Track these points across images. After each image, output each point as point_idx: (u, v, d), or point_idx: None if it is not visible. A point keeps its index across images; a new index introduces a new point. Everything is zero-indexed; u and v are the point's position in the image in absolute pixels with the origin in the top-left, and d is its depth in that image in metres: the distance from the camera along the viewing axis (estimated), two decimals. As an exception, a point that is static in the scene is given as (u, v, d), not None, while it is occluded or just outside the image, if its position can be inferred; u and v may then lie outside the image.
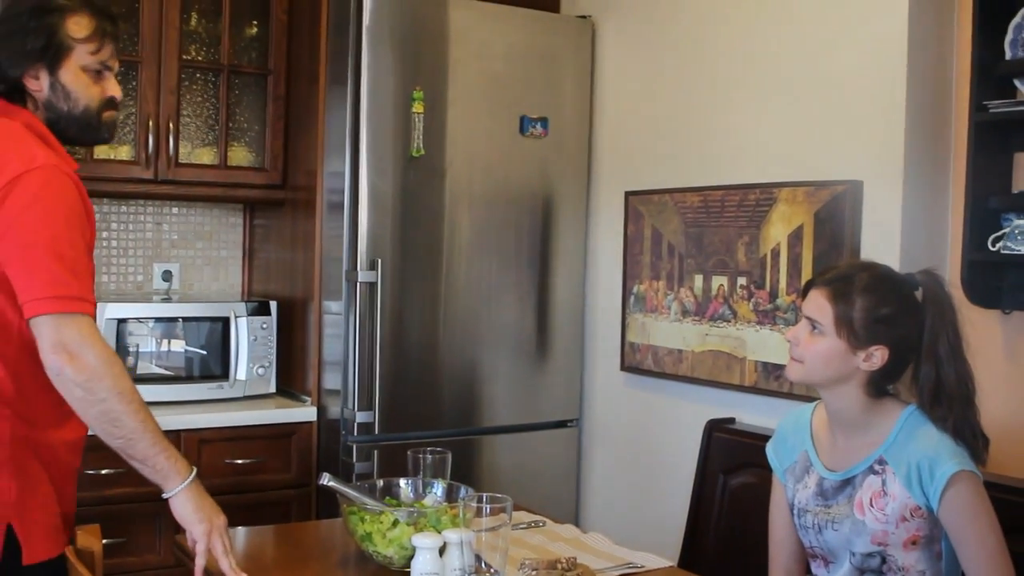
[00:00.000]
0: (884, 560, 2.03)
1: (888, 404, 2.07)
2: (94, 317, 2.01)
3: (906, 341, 2.03)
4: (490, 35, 3.56)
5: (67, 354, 1.95)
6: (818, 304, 2.05)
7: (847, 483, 2.08)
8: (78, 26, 2.11)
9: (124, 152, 3.49)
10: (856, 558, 2.06)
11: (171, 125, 3.45)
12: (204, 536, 2.01)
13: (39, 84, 2.11)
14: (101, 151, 3.46)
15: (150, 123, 3.42)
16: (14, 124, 2.10)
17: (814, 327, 2.05)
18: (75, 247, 2.00)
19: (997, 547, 1.95)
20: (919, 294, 2.07)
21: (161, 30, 3.44)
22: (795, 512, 2.18)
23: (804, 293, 2.11)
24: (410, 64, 3.40)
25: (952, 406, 2.01)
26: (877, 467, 2.04)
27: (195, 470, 2.05)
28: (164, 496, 2.03)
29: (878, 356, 2.01)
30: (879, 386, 2.06)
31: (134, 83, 3.50)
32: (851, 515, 2.05)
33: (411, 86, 3.38)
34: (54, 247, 1.97)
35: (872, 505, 2.03)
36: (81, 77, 2.13)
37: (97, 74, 2.15)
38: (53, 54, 2.10)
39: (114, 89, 2.18)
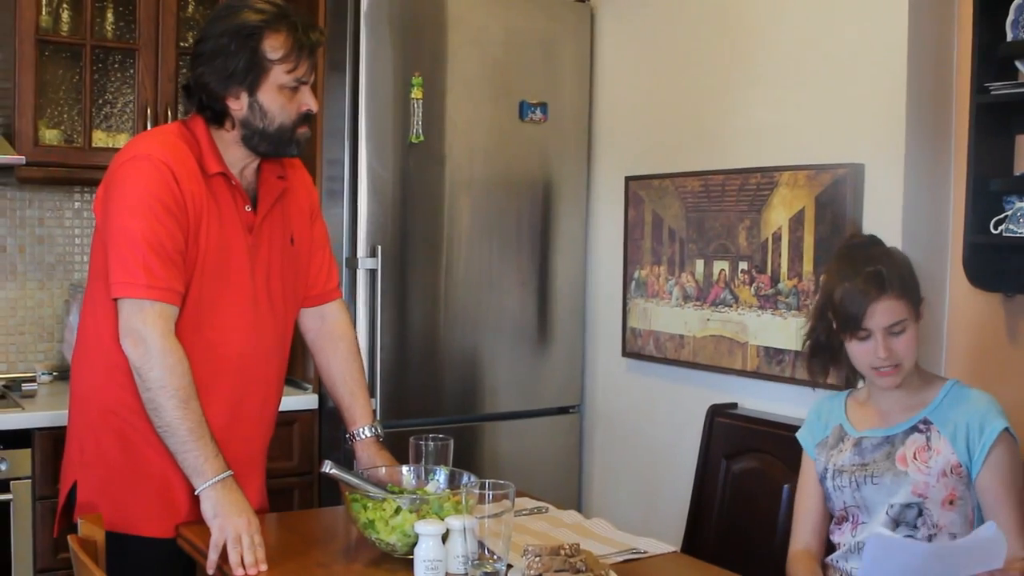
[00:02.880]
0: (920, 513, 2.09)
1: (927, 375, 2.21)
2: (174, 303, 2.14)
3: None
4: (489, 20, 3.54)
5: (131, 338, 2.11)
6: (891, 309, 2.08)
7: (887, 440, 2.16)
8: (274, 46, 2.17)
9: (122, 140, 3.47)
10: (894, 509, 2.12)
11: (169, 112, 3.43)
12: (217, 534, 2.06)
13: (239, 104, 2.21)
14: (100, 138, 3.45)
15: (148, 110, 3.40)
16: (169, 124, 2.30)
17: (893, 332, 2.10)
18: (152, 236, 2.11)
19: None
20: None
21: (159, 17, 3.42)
22: (829, 476, 2.23)
23: (860, 319, 2.09)
24: (409, 50, 3.38)
25: None
26: (922, 426, 2.13)
27: (226, 474, 2.11)
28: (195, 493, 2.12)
29: (924, 307, 2.16)
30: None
31: (132, 70, 3.49)
32: (892, 468, 2.13)
33: (410, 72, 3.37)
34: (130, 235, 2.11)
35: (916, 458, 2.11)
36: (278, 96, 2.21)
37: (293, 90, 2.22)
38: (253, 76, 2.17)
39: (309, 102, 2.25)
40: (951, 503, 2.08)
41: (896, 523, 2.10)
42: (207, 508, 2.09)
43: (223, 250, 2.24)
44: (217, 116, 2.24)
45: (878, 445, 2.16)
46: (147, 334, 2.10)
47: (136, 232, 2.11)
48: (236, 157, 2.28)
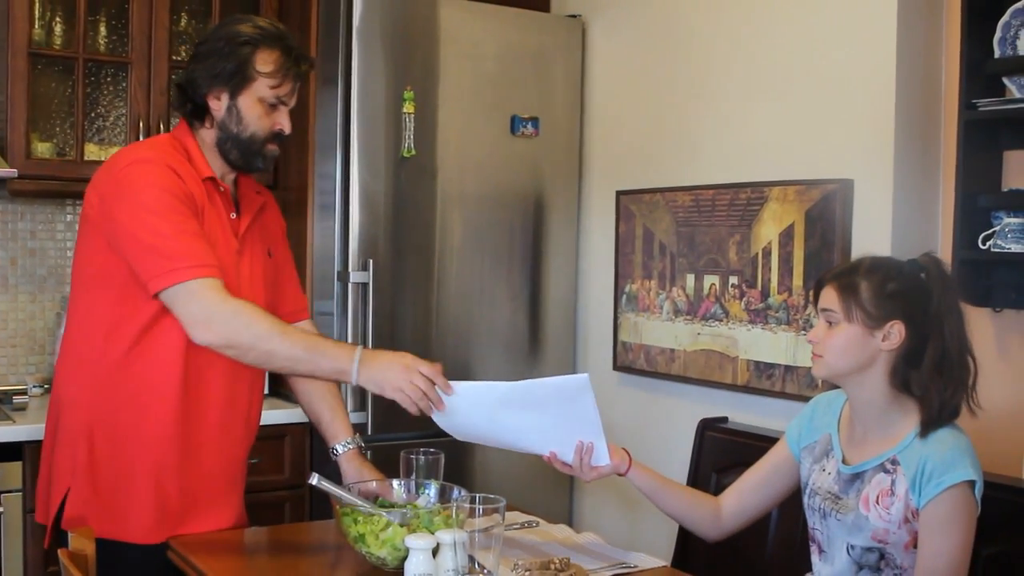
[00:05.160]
0: (883, 556, 2.04)
1: (909, 405, 2.07)
2: (213, 275, 2.14)
3: (920, 314, 2.03)
4: (480, 35, 3.56)
5: (198, 325, 2.13)
6: (828, 296, 2.08)
7: (857, 477, 2.09)
8: (265, 61, 2.28)
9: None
10: (855, 551, 2.06)
11: (161, 126, 3.44)
12: (397, 396, 2.13)
13: (219, 104, 2.29)
14: (92, 151, 3.46)
15: (140, 124, 3.41)
16: (161, 135, 2.37)
17: (830, 321, 2.07)
18: (178, 225, 2.15)
19: (948, 569, 1.95)
20: (924, 276, 2.08)
21: (151, 31, 3.43)
22: (807, 492, 2.20)
23: (816, 294, 2.13)
24: (400, 64, 3.40)
25: (948, 385, 2.02)
26: (889, 466, 2.04)
27: (357, 351, 2.15)
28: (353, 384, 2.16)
29: (896, 332, 2.03)
30: (903, 377, 2.05)
31: (124, 84, 3.49)
32: (856, 509, 2.06)
33: (402, 86, 3.38)
34: (156, 229, 2.15)
35: (878, 503, 2.03)
36: (256, 107, 2.29)
37: (272, 107, 2.31)
38: (237, 81, 2.27)
39: (284, 123, 2.34)
40: (915, 545, 2.00)
41: (860, 566, 2.07)
42: (371, 385, 2.15)
43: (218, 252, 2.26)
44: (197, 111, 2.31)
45: (849, 482, 2.10)
46: (211, 313, 2.12)
47: (162, 225, 2.14)
48: (216, 166, 2.34)
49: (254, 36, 2.27)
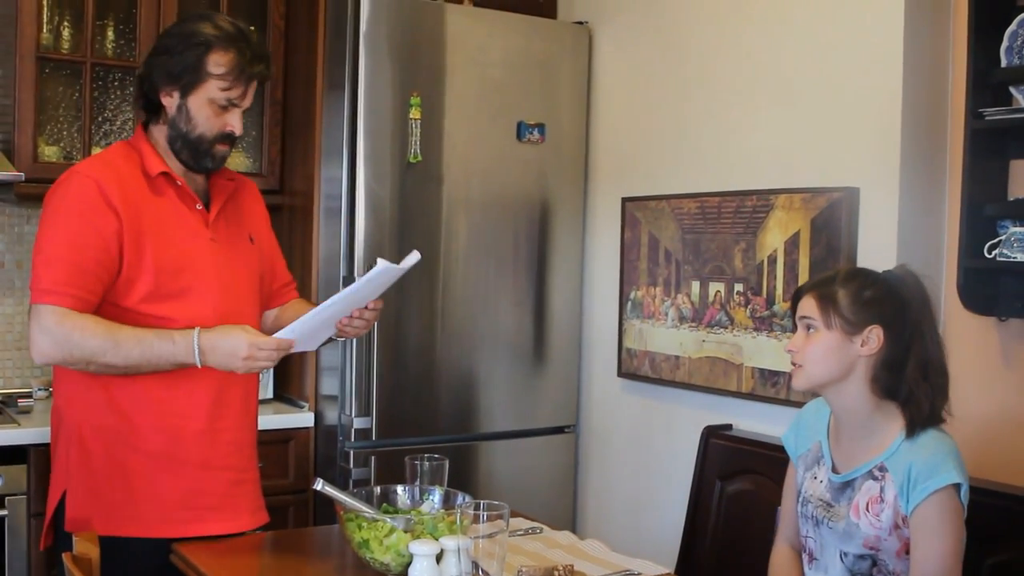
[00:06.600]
0: (875, 563, 2.05)
1: (893, 411, 2.08)
2: (61, 304, 2.17)
3: (897, 320, 2.06)
4: (487, 41, 3.56)
5: (34, 347, 2.20)
6: (807, 305, 2.11)
7: (847, 485, 2.10)
8: (218, 62, 2.27)
9: (121, 158, 3.48)
10: (848, 559, 2.08)
11: (168, 131, 3.44)
12: (251, 368, 2.22)
13: (170, 102, 2.31)
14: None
15: (147, 129, 3.42)
16: (117, 143, 2.40)
17: (808, 328, 2.10)
18: (50, 245, 2.20)
19: (940, 572, 1.96)
20: (900, 286, 2.11)
21: (159, 35, 3.43)
22: (799, 500, 2.21)
23: (794, 305, 2.16)
24: (407, 70, 3.40)
25: (933, 389, 2.05)
26: (877, 473, 2.06)
27: (194, 338, 2.19)
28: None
29: (874, 337, 2.05)
30: (885, 383, 2.07)
31: (131, 88, 3.50)
32: (847, 517, 2.08)
33: (408, 92, 3.39)
34: (39, 246, 2.22)
35: (868, 510, 2.05)
36: (206, 107, 2.30)
37: (223, 108, 2.31)
38: (189, 80, 2.28)
39: (235, 124, 2.34)
40: (907, 552, 2.02)
41: (852, 574, 2.08)
42: (215, 365, 2.20)
43: (181, 246, 2.30)
44: (152, 107, 2.34)
45: (840, 490, 2.11)
46: (44, 335, 2.17)
47: (47, 245, 2.21)
48: (174, 165, 2.36)
49: (209, 37, 2.27)
